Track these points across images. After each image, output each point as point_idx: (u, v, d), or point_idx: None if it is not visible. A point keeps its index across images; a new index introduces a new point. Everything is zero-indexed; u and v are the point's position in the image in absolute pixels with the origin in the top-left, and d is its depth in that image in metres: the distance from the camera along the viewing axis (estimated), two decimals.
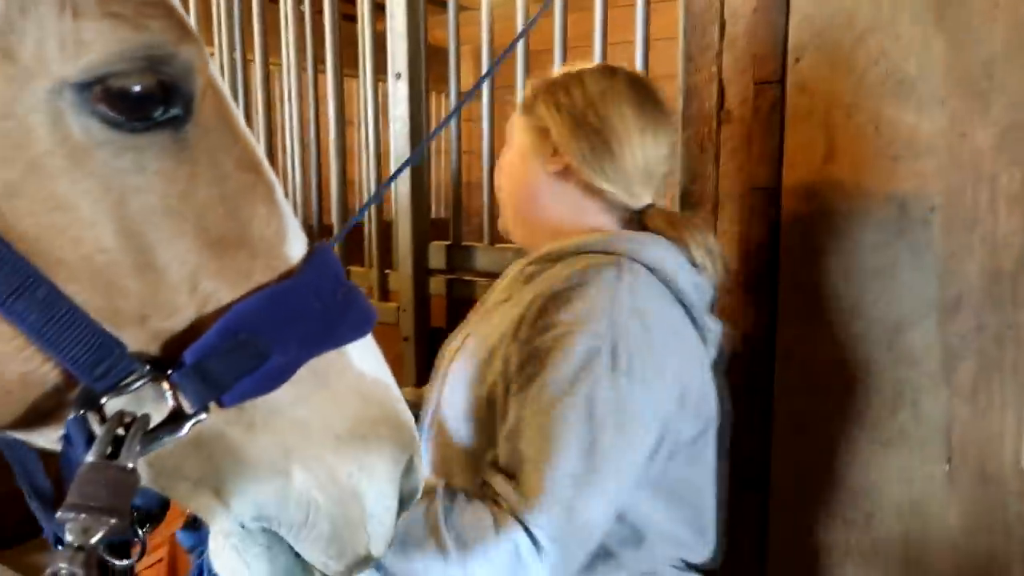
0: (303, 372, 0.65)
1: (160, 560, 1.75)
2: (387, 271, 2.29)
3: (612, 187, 1.21)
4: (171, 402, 0.60)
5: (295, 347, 0.63)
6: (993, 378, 1.48)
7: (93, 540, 0.55)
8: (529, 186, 1.27)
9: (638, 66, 1.88)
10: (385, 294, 2.28)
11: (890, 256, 1.55)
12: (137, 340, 0.59)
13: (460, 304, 2.17)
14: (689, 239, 1.22)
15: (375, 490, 0.70)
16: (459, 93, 2.23)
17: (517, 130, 1.28)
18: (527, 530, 1.01)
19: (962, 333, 1.51)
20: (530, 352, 1.10)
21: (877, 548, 1.62)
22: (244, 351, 0.61)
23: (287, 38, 2.49)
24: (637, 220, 1.25)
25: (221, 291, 0.62)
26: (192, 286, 0.61)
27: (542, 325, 1.11)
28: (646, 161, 1.22)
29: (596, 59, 1.93)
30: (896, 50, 1.51)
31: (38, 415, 0.61)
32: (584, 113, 1.20)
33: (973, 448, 1.51)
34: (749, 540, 1.79)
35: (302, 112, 2.51)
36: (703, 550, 1.32)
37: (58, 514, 0.56)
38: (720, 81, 1.69)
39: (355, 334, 0.69)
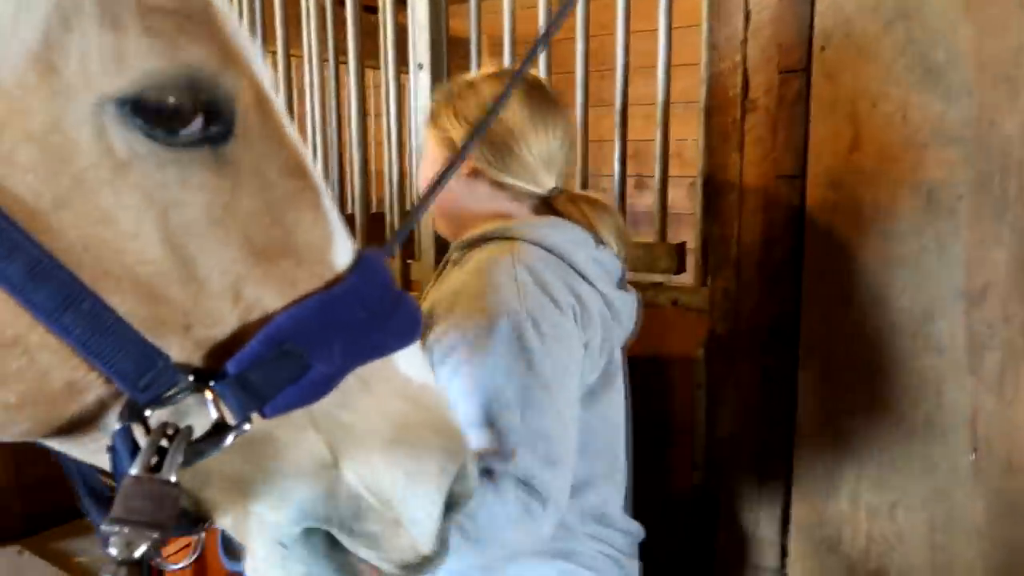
0: (348, 378, 0.64)
1: (187, 545, 1.77)
2: (409, 261, 2.30)
3: (517, 180, 1.35)
4: (214, 413, 0.60)
5: (339, 357, 0.63)
6: (1020, 368, 1.47)
7: (136, 554, 0.55)
8: (446, 189, 1.41)
9: (660, 55, 1.88)
10: (407, 284, 2.30)
11: (916, 245, 1.55)
12: (181, 350, 0.59)
13: None
14: (592, 219, 1.35)
15: (421, 499, 0.69)
16: None
17: (429, 141, 1.41)
18: (525, 487, 1.13)
19: (989, 322, 1.50)
20: (453, 340, 1.20)
21: (902, 536, 1.62)
22: (287, 361, 0.60)
23: (308, 29, 2.50)
24: (546, 204, 1.38)
25: (266, 300, 0.61)
26: (236, 295, 0.61)
27: (459, 315, 1.21)
28: (545, 152, 1.35)
29: (619, 48, 1.93)
30: (924, 38, 1.50)
31: (80, 424, 0.61)
32: (482, 119, 1.32)
33: (999, 438, 1.51)
34: (772, 530, 1.79)
35: (323, 104, 2.53)
36: (616, 497, 1.45)
37: (102, 528, 0.56)
38: (745, 70, 1.68)
39: (401, 343, 0.68)
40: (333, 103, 2.47)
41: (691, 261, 1.93)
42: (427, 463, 0.69)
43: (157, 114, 0.55)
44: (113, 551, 0.55)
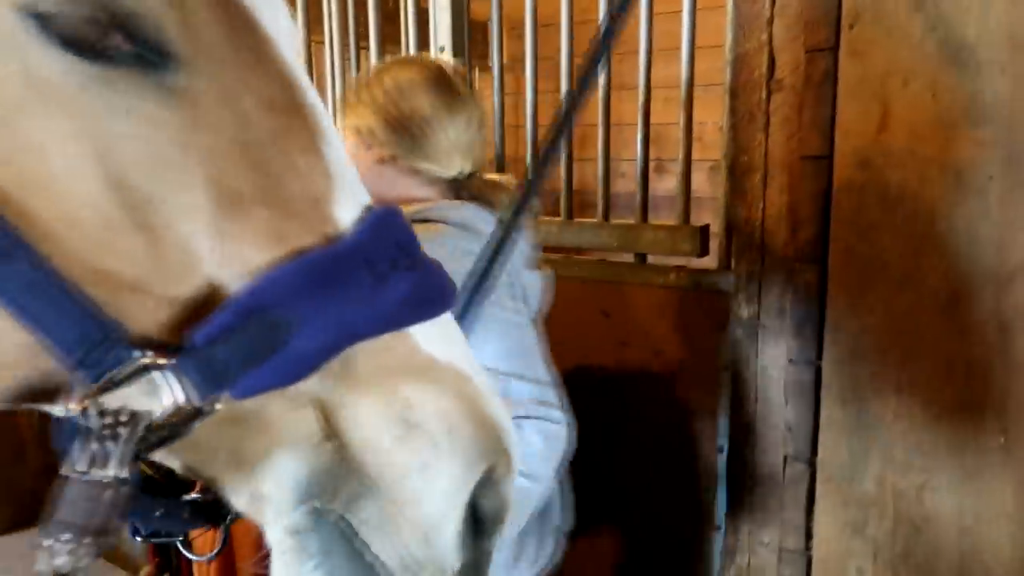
0: (354, 352, 0.54)
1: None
2: None
3: (428, 165, 1.40)
4: (172, 395, 0.50)
5: (333, 329, 0.53)
6: None
7: (82, 564, 0.49)
8: (362, 176, 1.46)
9: (684, 37, 1.86)
10: None
11: (945, 226, 1.53)
12: (139, 314, 0.51)
13: None
14: (499, 201, 1.41)
15: (438, 496, 0.57)
16: (501, 67, 2.22)
17: (345, 130, 1.45)
18: (536, 418, 1.24)
19: (1019, 305, 1.48)
20: None
21: (928, 518, 1.61)
22: (266, 333, 0.51)
23: (329, 14, 2.50)
24: (458, 187, 1.44)
25: (244, 257, 0.52)
26: (200, 250, 0.51)
27: None
28: (454, 137, 1.40)
29: (643, 30, 1.92)
30: (955, 15, 1.48)
31: (54, 394, 0.53)
32: (391, 107, 1.38)
33: None
34: (796, 512, 1.79)
35: (345, 89, 2.53)
36: None
37: (40, 533, 0.49)
38: (770, 49, 1.67)
39: (418, 315, 0.57)
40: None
41: (714, 244, 1.92)
42: (449, 454, 0.57)
43: (69, 29, 0.47)
44: (56, 561, 0.48)
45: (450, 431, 0.57)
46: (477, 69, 3.65)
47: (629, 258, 2.03)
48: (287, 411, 0.55)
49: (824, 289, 1.68)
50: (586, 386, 2.13)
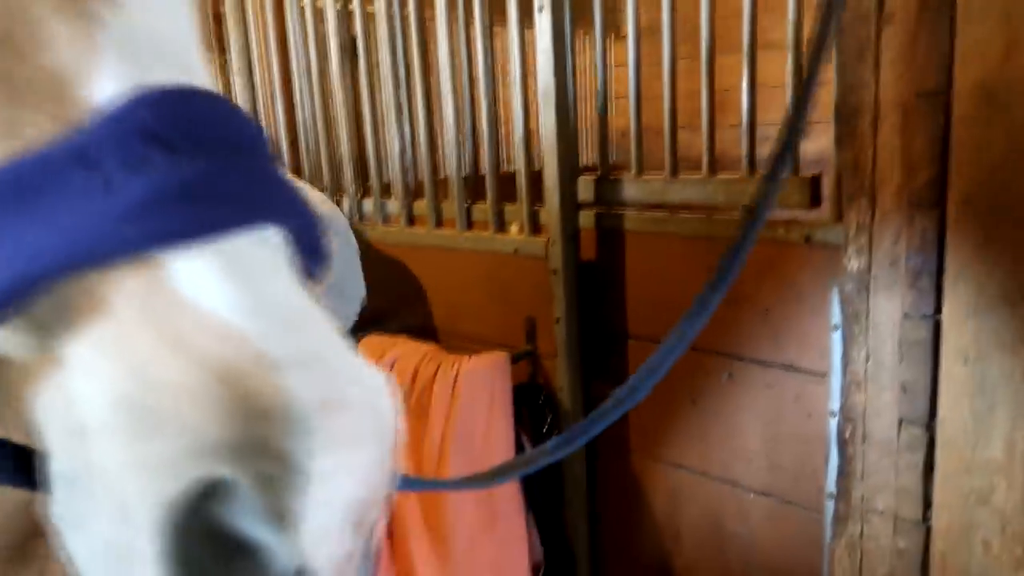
0: (71, 292, 0.39)
1: None
2: (536, 207, 2.33)
3: None
4: None
5: (24, 257, 0.38)
6: None
7: None
8: None
9: None
10: (536, 228, 2.33)
11: None
12: None
13: (609, 236, 2.17)
14: None
15: (143, 510, 0.37)
16: (605, 31, 2.21)
17: None
18: None
19: None
20: None
21: None
22: None
23: None
24: None
25: None
26: None
27: None
28: None
29: None
30: None
31: None
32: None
33: None
34: (913, 479, 1.67)
35: (455, 65, 2.59)
36: None
37: None
38: None
39: (161, 235, 0.39)
40: (465, 64, 2.52)
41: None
42: (164, 445, 0.37)
43: None
44: None
45: (171, 411, 0.37)
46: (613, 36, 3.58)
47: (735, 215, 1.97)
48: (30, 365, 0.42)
49: (943, 236, 1.55)
50: (691, 345, 2.08)
